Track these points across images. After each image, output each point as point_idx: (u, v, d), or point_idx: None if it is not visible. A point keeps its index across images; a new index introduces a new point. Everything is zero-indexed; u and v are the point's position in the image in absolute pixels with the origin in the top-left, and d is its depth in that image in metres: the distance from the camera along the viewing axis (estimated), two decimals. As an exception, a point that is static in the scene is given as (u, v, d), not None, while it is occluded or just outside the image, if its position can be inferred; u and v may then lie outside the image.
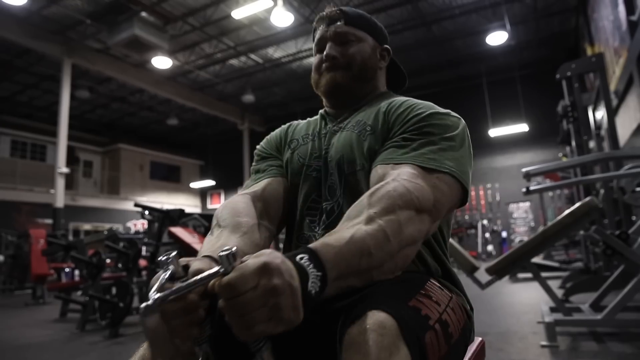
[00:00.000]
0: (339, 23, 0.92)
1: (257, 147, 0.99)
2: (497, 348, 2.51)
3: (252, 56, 11.87)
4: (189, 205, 17.92)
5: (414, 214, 0.65)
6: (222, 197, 18.58)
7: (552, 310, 2.99)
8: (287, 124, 1.03)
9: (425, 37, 11.17)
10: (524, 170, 3.42)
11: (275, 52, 11.78)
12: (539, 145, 12.14)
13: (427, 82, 12.83)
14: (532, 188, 3.31)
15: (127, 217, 15.11)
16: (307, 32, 10.66)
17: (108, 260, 5.84)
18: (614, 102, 6.12)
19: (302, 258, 0.54)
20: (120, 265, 5.43)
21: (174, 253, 0.54)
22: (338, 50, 0.91)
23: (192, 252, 4.12)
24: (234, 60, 12.13)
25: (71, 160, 13.59)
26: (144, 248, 5.80)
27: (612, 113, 4.33)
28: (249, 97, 13.47)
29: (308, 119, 1.03)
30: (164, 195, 17.55)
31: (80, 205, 14.20)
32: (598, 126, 5.55)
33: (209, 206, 18.97)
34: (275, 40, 11.00)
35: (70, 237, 10.44)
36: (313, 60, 0.96)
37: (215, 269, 0.50)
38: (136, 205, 4.81)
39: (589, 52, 8.95)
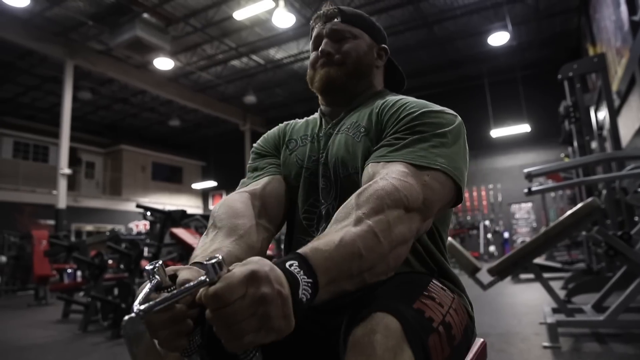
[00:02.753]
0: (335, 20, 0.92)
1: (255, 144, 0.98)
2: (499, 349, 2.50)
3: (254, 57, 11.89)
4: (191, 206, 17.95)
5: (403, 212, 0.63)
6: (224, 197, 18.60)
7: (554, 311, 2.98)
8: (285, 122, 1.03)
9: (427, 37, 11.16)
10: (525, 170, 3.41)
11: (276, 53, 11.80)
12: (541, 146, 12.12)
13: (428, 83, 12.82)
14: (534, 189, 3.31)
15: (129, 218, 15.13)
16: (309, 33, 10.63)
17: (110, 261, 5.85)
18: (616, 102, 6.11)
19: (292, 264, 0.52)
20: (122, 266, 5.44)
21: (160, 262, 0.52)
22: (334, 46, 0.90)
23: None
24: (235, 61, 12.15)
25: (73, 161, 13.62)
26: (146, 249, 5.81)
27: (614, 113, 4.32)
28: (250, 98, 13.48)
29: (306, 118, 1.02)
30: (165, 196, 17.58)
31: (82, 206, 14.23)
32: (600, 126, 5.53)
33: (211, 207, 18.95)
34: (276, 41, 11.01)
35: (73, 238, 10.45)
36: (310, 57, 0.96)
37: (202, 278, 0.47)
38: (138, 206, 4.82)
39: (591, 52, 8.94)
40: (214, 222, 0.78)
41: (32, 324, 4.46)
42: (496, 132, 11.76)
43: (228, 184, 18.02)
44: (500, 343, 2.64)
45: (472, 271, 2.92)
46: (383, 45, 0.97)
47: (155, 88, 12.78)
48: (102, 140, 16.87)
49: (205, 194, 19.20)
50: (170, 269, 0.57)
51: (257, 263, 0.48)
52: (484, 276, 2.96)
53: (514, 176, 12.08)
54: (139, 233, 10.26)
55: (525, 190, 3.27)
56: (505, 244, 12.62)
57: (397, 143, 0.74)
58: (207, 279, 0.47)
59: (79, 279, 7.44)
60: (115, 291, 4.66)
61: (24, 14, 9.31)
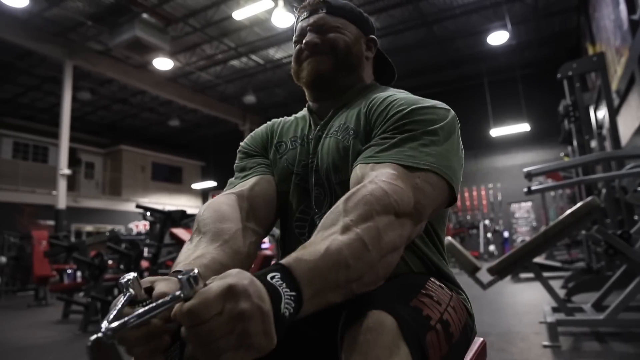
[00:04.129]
0: (320, 12, 0.87)
1: (242, 143, 0.94)
2: (499, 348, 2.50)
3: (253, 57, 11.89)
4: (191, 206, 17.94)
5: (393, 218, 0.60)
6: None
7: (554, 310, 2.98)
8: (273, 120, 0.99)
9: (426, 37, 11.16)
10: (525, 170, 3.41)
11: (276, 53, 11.79)
12: (541, 145, 12.13)
13: (428, 82, 12.82)
14: (533, 188, 3.31)
15: (129, 219, 15.13)
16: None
17: (110, 262, 5.85)
18: (616, 101, 6.11)
19: (274, 277, 0.49)
20: (122, 266, 5.44)
21: (134, 275, 0.50)
22: (320, 37, 0.86)
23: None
24: (235, 61, 12.15)
25: (73, 161, 13.62)
26: (145, 249, 5.81)
27: (613, 112, 4.33)
28: (250, 98, 13.48)
29: (295, 115, 0.98)
30: (165, 197, 17.58)
31: (82, 206, 14.23)
32: (600, 126, 5.53)
33: (211, 207, 18.97)
34: (276, 41, 11.01)
35: (73, 239, 10.45)
36: (294, 50, 0.90)
37: (177, 293, 0.45)
38: (138, 206, 4.82)
39: (590, 51, 8.94)
40: (198, 227, 0.74)
41: (32, 325, 4.46)
42: (496, 132, 11.76)
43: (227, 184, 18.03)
44: (500, 342, 2.64)
45: (472, 270, 2.93)
46: (372, 36, 0.92)
47: (154, 88, 12.77)
48: (102, 141, 16.86)
49: (205, 194, 19.20)
50: (147, 280, 0.55)
51: (235, 276, 0.45)
52: (484, 275, 2.97)
53: (513, 175, 12.09)
54: (138, 233, 10.26)
55: (525, 190, 3.28)
56: (505, 243, 12.63)
57: (386, 143, 0.71)
58: (182, 295, 0.44)
59: (79, 280, 7.45)
60: (115, 291, 4.66)
61: (23, 15, 9.30)
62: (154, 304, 0.46)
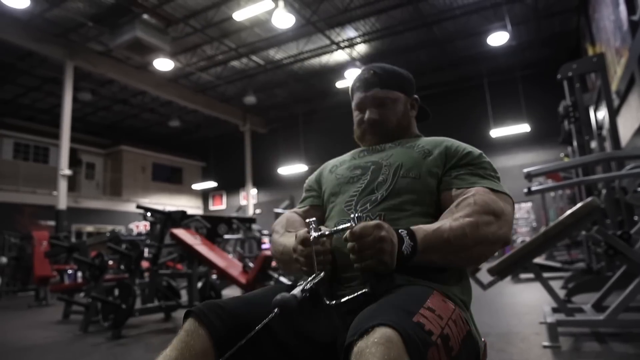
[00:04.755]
0: (376, 89, 1.09)
1: (306, 181, 1.24)
2: (499, 349, 2.51)
3: (254, 58, 11.90)
4: (191, 206, 17.96)
5: (492, 219, 0.84)
6: (224, 198, 18.59)
7: (554, 310, 2.98)
8: (324, 164, 1.26)
9: (426, 37, 11.17)
10: (525, 170, 3.42)
11: (276, 54, 11.81)
12: (541, 146, 12.12)
13: (428, 83, 12.83)
14: (533, 188, 3.31)
15: (130, 219, 15.14)
16: (309, 33, 10.67)
17: (110, 262, 5.85)
18: (616, 102, 6.12)
19: (402, 232, 0.80)
20: (122, 266, 5.44)
21: (314, 219, 0.83)
22: (377, 112, 1.09)
23: (193, 253, 4.13)
24: (235, 62, 12.16)
25: (73, 162, 13.62)
26: (146, 250, 5.81)
27: (613, 113, 4.33)
28: (250, 99, 13.49)
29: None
30: (166, 197, 17.59)
31: (82, 207, 14.24)
32: (600, 126, 5.53)
33: (211, 207, 18.98)
34: (276, 41, 11.02)
35: (73, 239, 10.45)
36: (354, 115, 1.16)
37: (348, 224, 0.76)
38: (138, 207, 4.82)
39: (590, 52, 8.95)
40: (280, 226, 1.09)
41: (33, 325, 4.46)
42: (496, 132, 11.76)
43: (228, 185, 18.02)
44: (500, 343, 2.65)
45: (472, 271, 2.93)
46: (415, 96, 1.16)
47: (155, 89, 12.79)
48: (102, 141, 16.88)
49: (205, 195, 19.20)
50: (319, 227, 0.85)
51: (380, 221, 0.76)
52: (484, 276, 2.97)
53: (513, 176, 12.02)
54: (139, 234, 10.26)
55: (525, 190, 3.28)
56: (505, 243, 12.61)
57: (474, 174, 0.97)
58: (353, 224, 0.76)
59: (79, 280, 7.45)
60: (116, 292, 4.66)
61: (24, 15, 9.32)
62: (338, 227, 0.80)
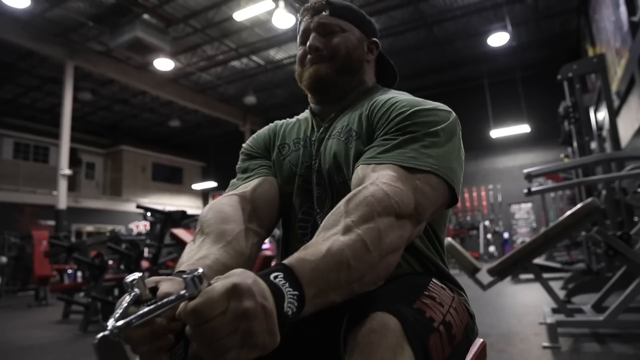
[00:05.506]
0: (323, 13, 0.87)
1: (244, 145, 0.95)
2: (499, 349, 2.51)
3: (254, 58, 11.90)
4: (191, 206, 17.95)
5: (394, 220, 0.60)
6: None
7: (554, 311, 2.98)
8: (275, 122, 0.99)
9: (427, 38, 11.17)
10: (525, 171, 3.42)
11: (276, 54, 11.81)
12: (541, 146, 12.13)
13: (428, 84, 12.83)
14: (533, 189, 3.31)
15: (130, 219, 15.14)
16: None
17: (110, 262, 5.86)
18: (616, 103, 6.11)
19: (277, 276, 0.49)
20: (122, 266, 5.45)
21: (139, 275, 0.51)
22: (322, 41, 0.86)
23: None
24: (235, 62, 12.16)
25: (74, 162, 13.62)
26: (146, 249, 5.81)
27: (613, 114, 4.33)
28: (250, 99, 13.49)
29: (297, 117, 0.99)
30: (166, 197, 17.58)
31: (82, 206, 14.23)
32: (600, 127, 5.54)
33: (211, 208, 18.97)
34: (276, 42, 11.02)
35: (73, 239, 10.46)
36: (297, 52, 0.92)
37: (182, 292, 0.45)
38: (138, 206, 4.82)
39: (590, 53, 8.95)
40: (202, 228, 0.75)
41: (33, 325, 4.46)
42: (496, 133, 11.77)
43: (228, 185, 17.98)
44: (500, 343, 2.65)
45: (472, 271, 2.93)
46: (374, 38, 0.93)
47: (155, 89, 12.79)
48: (103, 141, 16.87)
49: (205, 195, 19.21)
50: (151, 279, 0.56)
51: (239, 275, 0.45)
52: (484, 276, 2.97)
53: (513, 176, 12.09)
54: (139, 234, 10.26)
55: (525, 191, 3.28)
56: (505, 244, 12.62)
57: (388, 144, 0.71)
58: (187, 294, 0.45)
59: (79, 280, 7.45)
60: (116, 292, 4.67)
61: (24, 15, 9.32)
62: (159, 303, 0.46)
